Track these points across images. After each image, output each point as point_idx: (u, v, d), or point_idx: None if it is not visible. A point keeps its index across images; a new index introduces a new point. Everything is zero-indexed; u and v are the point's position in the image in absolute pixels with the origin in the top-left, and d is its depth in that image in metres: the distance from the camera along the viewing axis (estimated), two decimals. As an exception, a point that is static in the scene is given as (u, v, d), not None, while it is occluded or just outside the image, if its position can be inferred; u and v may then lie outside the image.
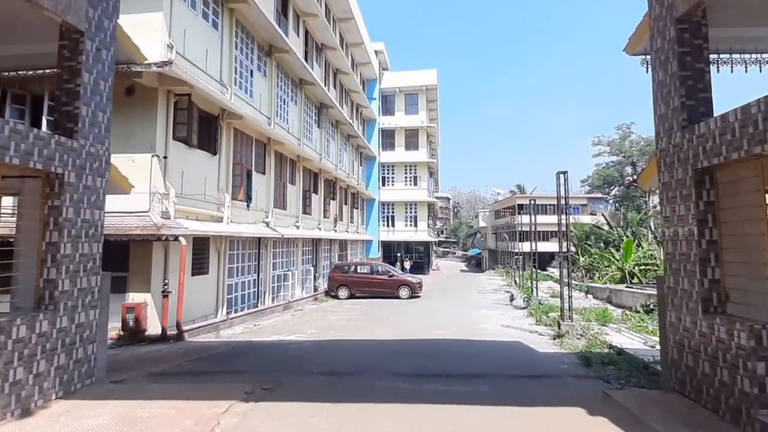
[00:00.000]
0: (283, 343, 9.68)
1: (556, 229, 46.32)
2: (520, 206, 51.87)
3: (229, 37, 13.65)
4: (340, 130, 28.18)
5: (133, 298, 10.03)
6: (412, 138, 39.47)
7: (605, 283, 29.17)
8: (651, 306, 14.19)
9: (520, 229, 41.12)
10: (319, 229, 22.88)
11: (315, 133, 22.90)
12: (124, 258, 10.18)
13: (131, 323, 9.61)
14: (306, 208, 20.93)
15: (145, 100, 10.39)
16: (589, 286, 23.43)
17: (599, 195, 58.98)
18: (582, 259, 37.05)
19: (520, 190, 69.25)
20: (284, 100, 18.46)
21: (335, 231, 25.94)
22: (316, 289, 21.20)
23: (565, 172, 12.14)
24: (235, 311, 13.86)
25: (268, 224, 16.20)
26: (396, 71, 41.56)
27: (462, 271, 55.69)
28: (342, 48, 26.41)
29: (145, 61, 6.43)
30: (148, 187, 10.08)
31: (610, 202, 62.75)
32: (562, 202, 12.16)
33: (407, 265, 36.71)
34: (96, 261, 5.55)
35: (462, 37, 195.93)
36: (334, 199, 25.99)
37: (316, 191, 23.03)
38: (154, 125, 10.29)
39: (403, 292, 20.31)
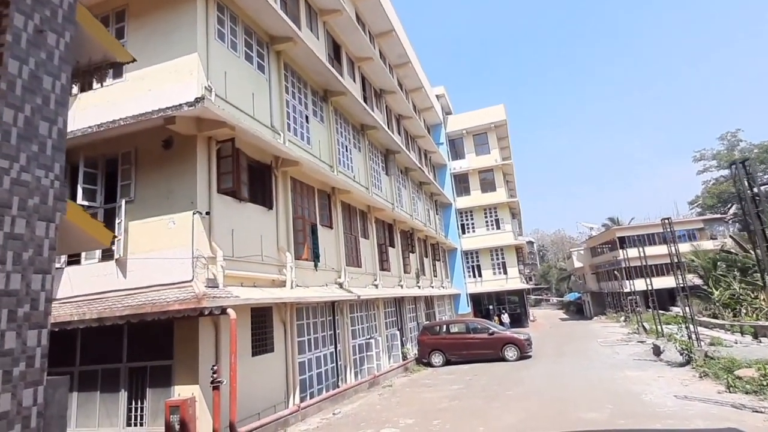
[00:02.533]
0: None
1: (667, 261, 39.85)
2: (621, 239, 45.88)
3: (278, 80, 12.34)
4: (411, 177, 26.20)
5: (180, 392, 7.93)
6: (487, 179, 36.63)
7: (759, 319, 23.00)
8: None
9: (626, 265, 35.39)
10: (401, 286, 20.26)
11: (384, 181, 21.01)
12: (168, 342, 8.25)
13: (176, 427, 7.41)
14: (383, 264, 18.56)
15: (184, 151, 8.89)
16: (758, 326, 18.02)
17: (716, 215, 50.71)
18: (717, 292, 30.47)
19: (615, 223, 62.19)
20: (346, 147, 16.85)
21: (419, 287, 23.14)
22: (405, 357, 18.22)
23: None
24: (311, 395, 11.34)
25: (341, 285, 13.93)
26: (460, 113, 39.80)
27: (562, 320, 49.26)
28: (402, 92, 25.08)
29: (129, 60, 4.57)
30: (190, 251, 8.28)
31: (730, 221, 53.76)
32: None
33: (505, 318, 32.38)
34: (36, 362, 3.36)
35: (516, 72, 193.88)
36: (413, 252, 23.46)
37: (392, 244, 20.72)
38: (194, 176, 8.67)
39: (510, 352, 16.67)
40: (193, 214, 8.44)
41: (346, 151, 16.84)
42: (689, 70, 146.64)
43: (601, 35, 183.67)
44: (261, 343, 9.77)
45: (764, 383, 8.20)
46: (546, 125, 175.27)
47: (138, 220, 8.87)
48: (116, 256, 8.74)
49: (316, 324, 12.48)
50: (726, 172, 55.08)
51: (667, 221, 12.83)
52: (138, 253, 8.66)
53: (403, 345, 19.01)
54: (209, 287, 8.08)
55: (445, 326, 18.66)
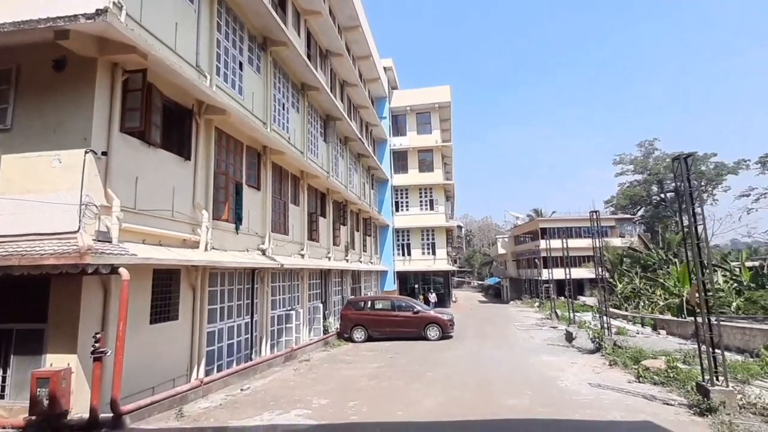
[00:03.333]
0: None
1: (584, 254, 42.62)
2: (543, 230, 48.46)
3: (209, 14, 10.80)
4: (350, 148, 25.23)
5: (53, 362, 6.67)
6: (426, 159, 36.60)
7: (653, 311, 25.22)
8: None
9: (548, 254, 37.34)
10: (329, 258, 19.52)
11: (321, 148, 19.89)
12: (41, 302, 6.90)
13: (45, 402, 6.21)
14: (312, 234, 17.65)
15: (80, 76, 7.35)
16: (657, 318, 19.52)
17: (627, 216, 55.04)
18: (620, 285, 33.10)
19: (538, 215, 65.51)
20: (283, 105, 15.52)
21: (347, 261, 22.55)
22: (326, 331, 17.64)
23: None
24: (219, 368, 10.39)
25: (264, 252, 12.90)
26: (406, 89, 39.15)
27: (481, 302, 51.52)
28: (349, 57, 23.82)
29: None
30: (78, 196, 6.90)
31: (638, 223, 58.70)
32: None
33: (433, 298, 32.87)
34: None
35: (467, 64, 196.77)
36: (344, 225, 22.73)
37: (323, 214, 19.83)
38: (90, 108, 7.20)
39: (433, 332, 16.67)
40: (86, 152, 7.02)
41: (283, 109, 15.53)
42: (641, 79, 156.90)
43: (563, 39, 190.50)
44: (163, 310, 8.62)
45: (671, 375, 8.58)
46: (488, 116, 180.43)
47: (14, 154, 7.27)
48: (-19, 194, 7.12)
49: (232, 291, 11.43)
50: (640, 176, 59.90)
51: (594, 214, 13.19)
52: (11, 194, 7.11)
53: (325, 318, 18.41)
54: (99, 241, 6.80)
55: (369, 302, 18.28)
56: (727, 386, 6.69)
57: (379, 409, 7.22)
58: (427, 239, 35.51)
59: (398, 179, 35.75)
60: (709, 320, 6.85)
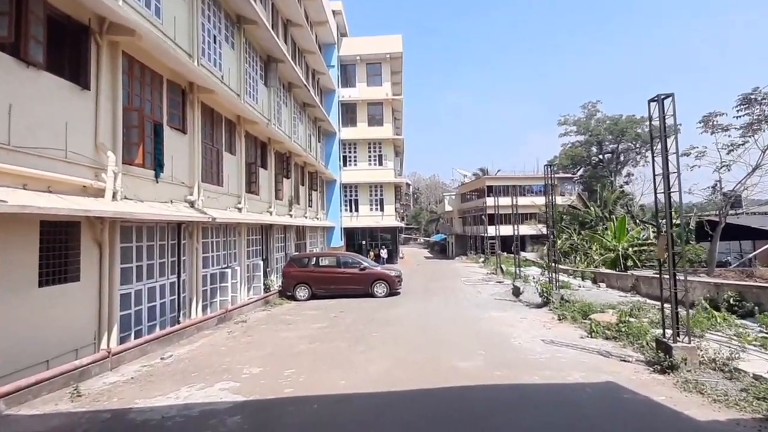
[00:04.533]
0: (183, 421, 5.06)
1: (527, 211, 43.66)
2: (489, 188, 49.06)
3: None
4: (294, 95, 23.29)
5: None
6: (375, 112, 35.14)
7: (589, 266, 26.27)
8: (731, 300, 10.71)
9: (496, 212, 37.79)
10: (270, 213, 18.15)
11: (261, 93, 17.99)
12: None
13: None
14: (251, 186, 16.15)
15: None
16: (597, 272, 20.07)
17: (568, 175, 56.90)
18: (560, 241, 34.32)
19: (484, 173, 66.27)
20: (215, 37, 13.52)
21: (290, 216, 21.24)
22: (267, 289, 16.60)
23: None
24: (138, 334, 9.14)
25: (192, 204, 11.41)
26: (356, 37, 36.86)
27: (427, 258, 52.18)
28: (293, -8, 21.47)
29: None
30: None
31: (577, 182, 61.02)
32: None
33: (384, 254, 32.38)
34: None
35: (418, 15, 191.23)
36: (288, 177, 21.23)
37: (264, 166, 18.24)
38: (-73, 5, 5.37)
39: (380, 288, 16.08)
40: (-75, 64, 5.26)
41: (214, 42, 13.53)
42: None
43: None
44: (58, 270, 7.16)
45: (622, 330, 8.42)
46: (439, 75, 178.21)
47: None
48: None
49: (152, 248, 9.99)
50: (582, 137, 61.69)
51: (548, 169, 12.75)
52: None
53: (266, 276, 17.32)
54: (-49, 183, 5.22)
55: (314, 259, 17.32)
56: (689, 342, 6.45)
57: (318, 379, 6.40)
58: (376, 195, 34.70)
59: (347, 132, 34.20)
60: (674, 275, 6.51)
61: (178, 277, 10.98)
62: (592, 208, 38.52)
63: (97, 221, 7.94)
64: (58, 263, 7.15)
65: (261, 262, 16.69)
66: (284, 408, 5.33)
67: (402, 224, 46.91)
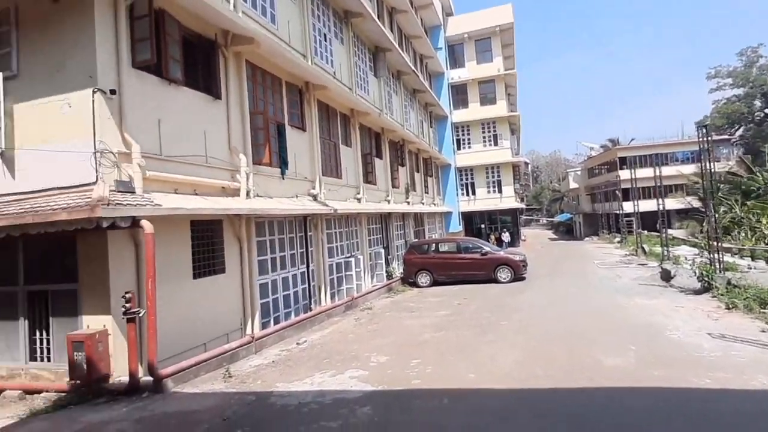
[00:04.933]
0: (318, 408, 5.22)
1: (672, 182, 38.01)
2: (622, 160, 43.88)
3: (226, -74, 9.33)
4: (403, 82, 23.25)
5: (89, 324, 6.23)
6: (487, 91, 33.51)
7: (758, 243, 21.77)
8: None
9: (632, 185, 33.58)
10: (388, 201, 18.44)
11: (372, 84, 18.25)
12: (71, 261, 6.40)
13: (83, 367, 5.81)
14: (368, 176, 16.53)
15: (76, 4, 6.37)
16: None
17: (723, 136, 48.24)
18: (718, 215, 29.14)
19: (614, 144, 59.50)
20: (325, 36, 13.96)
21: (408, 203, 21.37)
22: (390, 276, 16.91)
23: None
24: (276, 320, 9.90)
25: (315, 197, 12.00)
26: (462, 14, 35.43)
27: (552, 239, 48.73)
28: (396, -22, 21.31)
29: None
30: (92, 143, 6.12)
31: (736, 144, 51.43)
32: None
33: (506, 237, 31.04)
34: None
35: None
36: (403, 165, 21.35)
37: (380, 155, 18.54)
38: (92, 41, 6.24)
39: (503, 274, 15.32)
40: (94, 92, 6.15)
41: (325, 40, 13.98)
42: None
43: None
44: (207, 263, 7.99)
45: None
46: (553, 36, 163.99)
47: (25, 102, 6.59)
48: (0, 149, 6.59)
49: (283, 241, 10.72)
50: (740, 91, 51.73)
51: (703, 130, 10.69)
52: (29, 146, 6.50)
53: (388, 264, 17.66)
54: (119, 192, 6.05)
55: (433, 245, 17.16)
56: None
57: (445, 370, 6.17)
58: (493, 177, 33.27)
59: (458, 115, 33.27)
60: None
61: (307, 267, 11.66)
62: (758, 173, 32.05)
63: (235, 218, 8.70)
64: (207, 257, 7.98)
65: (382, 250, 17.05)
66: (412, 401, 5.21)
67: (522, 205, 44.37)
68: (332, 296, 12.71)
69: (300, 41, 12.21)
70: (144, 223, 5.86)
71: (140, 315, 5.95)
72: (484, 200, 33.09)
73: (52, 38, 6.47)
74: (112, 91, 6.27)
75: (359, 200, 15.34)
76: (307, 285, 11.56)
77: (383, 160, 18.82)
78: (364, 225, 15.85)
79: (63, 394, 5.98)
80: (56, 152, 6.25)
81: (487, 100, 33.45)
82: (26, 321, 6.65)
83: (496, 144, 33.17)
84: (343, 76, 15.03)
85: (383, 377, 6.02)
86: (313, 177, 12.26)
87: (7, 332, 6.75)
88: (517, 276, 15.40)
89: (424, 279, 16.12)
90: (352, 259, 13.88)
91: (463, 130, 33.71)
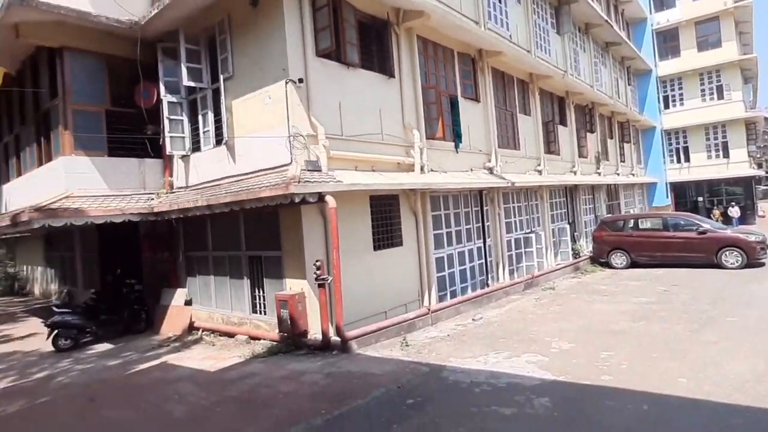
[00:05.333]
0: (491, 390, 4.95)
1: None
2: None
3: None
4: (593, 36, 20.34)
5: (291, 286, 7.19)
6: (708, 32, 26.97)
7: None
8: None
9: None
10: (574, 172, 16.64)
11: (554, 42, 16.42)
12: (275, 232, 7.49)
13: (287, 322, 6.76)
14: (550, 146, 15.14)
15: (270, 5, 7.21)
16: None
17: None
18: None
19: None
20: (499, -4, 13.05)
21: (598, 174, 18.93)
22: (576, 255, 15.34)
23: None
24: (453, 294, 9.92)
25: (491, 170, 11.52)
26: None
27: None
28: None
29: None
30: (286, 128, 6.94)
31: None
32: None
33: (734, 212, 24.83)
34: None
35: None
36: (592, 132, 18.95)
37: (563, 122, 16.80)
38: (283, 35, 7.01)
39: (731, 258, 12.26)
40: (286, 83, 6.92)
41: (499, 2, 13.04)
42: None
43: None
44: (386, 236, 8.41)
45: None
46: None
47: (239, 98, 7.85)
48: (224, 139, 8.03)
49: (458, 215, 10.62)
50: None
51: None
52: (243, 135, 7.75)
53: (574, 241, 16.03)
54: (309, 171, 6.74)
55: (631, 221, 14.77)
56: None
57: (646, 370, 5.17)
58: (716, 138, 26.95)
59: (666, 67, 27.73)
60: None
61: (484, 242, 11.34)
62: None
63: (410, 193, 8.92)
64: (385, 230, 8.40)
65: (567, 226, 15.52)
66: (601, 401, 4.49)
67: (760, 172, 34.97)
68: (510, 273, 12.14)
69: (472, 6, 11.61)
70: (328, 198, 6.41)
71: (328, 282, 6.59)
72: (703, 167, 27.09)
73: (254, 39, 7.50)
74: (300, 80, 6.97)
75: (540, 172, 14.20)
76: (483, 260, 11.27)
77: (568, 128, 16.99)
78: (546, 199, 14.62)
79: (275, 343, 7.08)
80: (261, 138, 7.29)
81: (708, 44, 26.97)
82: (248, 280, 8.07)
83: (720, 97, 26.67)
84: (520, 38, 13.87)
85: (565, 367, 5.38)
86: (489, 149, 11.75)
87: (237, 288, 8.32)
88: (752, 261, 12.12)
89: (619, 260, 14.08)
90: (533, 235, 12.96)
91: (672, 85, 28.06)
